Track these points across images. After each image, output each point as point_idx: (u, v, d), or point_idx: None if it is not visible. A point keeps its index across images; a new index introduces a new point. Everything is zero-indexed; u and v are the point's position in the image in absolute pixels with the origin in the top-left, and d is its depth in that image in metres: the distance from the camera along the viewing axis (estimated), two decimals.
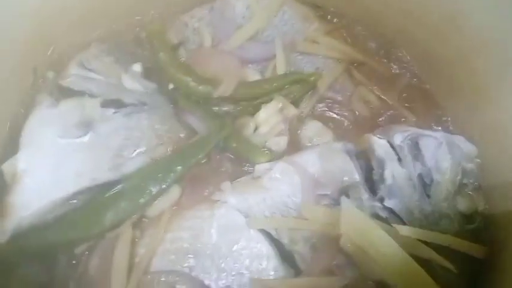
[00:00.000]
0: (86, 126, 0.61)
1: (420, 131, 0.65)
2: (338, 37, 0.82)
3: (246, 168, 0.67)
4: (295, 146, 0.70)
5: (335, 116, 0.75)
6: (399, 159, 0.59)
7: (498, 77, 0.66)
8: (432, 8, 0.72)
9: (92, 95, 0.65)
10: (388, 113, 0.76)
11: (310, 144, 0.71)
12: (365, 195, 0.57)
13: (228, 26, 0.77)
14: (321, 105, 0.76)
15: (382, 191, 0.57)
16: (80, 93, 0.65)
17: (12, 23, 0.66)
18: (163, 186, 0.62)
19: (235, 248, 0.57)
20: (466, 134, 0.69)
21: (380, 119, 0.75)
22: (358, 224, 0.52)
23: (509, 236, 0.61)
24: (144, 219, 0.63)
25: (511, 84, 0.64)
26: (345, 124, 0.74)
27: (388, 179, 0.57)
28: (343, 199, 0.54)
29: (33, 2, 0.67)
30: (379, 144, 0.60)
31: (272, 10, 0.79)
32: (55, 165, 0.59)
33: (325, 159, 0.62)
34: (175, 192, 0.62)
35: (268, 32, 0.79)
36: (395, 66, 0.80)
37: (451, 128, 0.74)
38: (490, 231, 0.62)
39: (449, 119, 0.75)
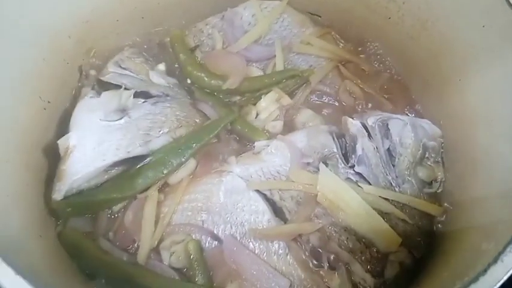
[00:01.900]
0: (122, 112, 0.78)
1: (390, 115, 0.79)
2: (329, 40, 0.96)
3: (248, 146, 0.83)
4: (290, 129, 0.85)
5: (324, 105, 0.90)
6: (369, 136, 0.74)
7: (460, 72, 0.79)
8: (407, 14, 0.86)
9: (126, 88, 0.81)
10: (369, 103, 0.90)
11: (302, 127, 0.86)
12: (340, 163, 0.71)
13: (237, 31, 0.93)
14: (312, 96, 0.90)
15: (353, 160, 0.71)
16: (116, 87, 0.81)
17: (63, 31, 0.83)
18: (182, 159, 0.77)
19: (238, 205, 0.72)
20: (434, 120, 0.83)
21: (362, 107, 0.89)
22: (332, 184, 0.67)
23: (462, 203, 0.74)
24: (167, 186, 0.78)
25: (471, 79, 0.77)
26: (332, 111, 0.88)
27: (359, 151, 0.72)
28: (321, 165, 0.68)
29: (81, 13, 0.84)
30: (352, 123, 0.74)
31: (273, 17, 0.94)
32: (98, 142, 0.75)
33: (311, 137, 0.76)
34: (191, 164, 0.78)
35: (269, 36, 0.94)
36: (377, 64, 0.94)
37: (422, 114, 0.88)
38: (446, 196, 0.75)
39: (420, 107, 0.88)
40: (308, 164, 0.72)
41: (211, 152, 0.80)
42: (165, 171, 0.76)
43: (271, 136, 0.82)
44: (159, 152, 0.78)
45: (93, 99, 0.80)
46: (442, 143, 0.79)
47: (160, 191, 0.77)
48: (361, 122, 0.75)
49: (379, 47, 0.95)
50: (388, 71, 0.93)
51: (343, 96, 0.89)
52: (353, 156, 0.72)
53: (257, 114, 0.85)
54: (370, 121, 0.75)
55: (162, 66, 0.89)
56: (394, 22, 0.89)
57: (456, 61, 0.79)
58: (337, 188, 0.66)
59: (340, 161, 0.72)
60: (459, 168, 0.77)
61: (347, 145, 0.73)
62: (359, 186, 0.69)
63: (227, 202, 0.73)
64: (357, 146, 0.72)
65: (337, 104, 0.89)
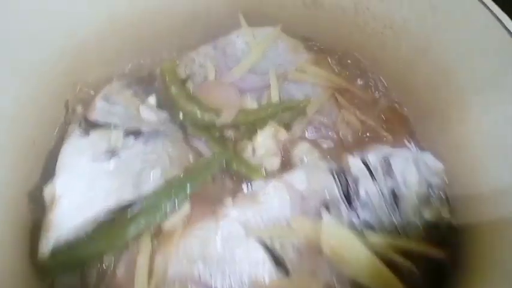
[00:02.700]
0: (111, 153, 0.74)
1: (392, 150, 0.76)
2: (324, 66, 0.93)
3: (244, 186, 0.79)
4: (287, 164, 0.82)
5: (322, 136, 0.87)
6: (372, 176, 0.71)
7: (461, 100, 0.77)
8: (404, 42, 0.83)
9: (115, 126, 0.77)
10: (368, 133, 0.87)
11: (300, 162, 0.83)
12: (343, 207, 0.68)
13: (229, 60, 0.89)
14: (309, 127, 0.87)
15: (357, 204, 0.68)
16: (105, 125, 0.77)
17: (48, 64, 0.78)
18: (176, 203, 0.73)
19: (236, 254, 0.68)
20: (434, 152, 0.80)
21: (360, 139, 0.86)
22: (336, 234, 0.64)
23: (470, 240, 0.72)
24: (159, 232, 0.74)
25: (471, 111, 0.75)
26: (330, 144, 0.85)
27: (362, 194, 0.69)
28: (324, 213, 0.65)
29: (67, 45, 0.79)
30: (353, 163, 0.71)
31: (267, 44, 0.91)
32: (87, 188, 0.71)
33: (311, 178, 0.73)
34: (186, 208, 0.74)
35: (263, 64, 0.90)
36: (374, 92, 0.91)
37: (422, 145, 0.86)
38: (454, 235, 0.73)
39: (420, 137, 0.86)
40: (309, 208, 0.69)
41: (206, 193, 0.77)
42: (158, 217, 0.72)
43: (268, 174, 0.78)
44: (151, 195, 0.74)
45: (80, 139, 0.76)
46: (445, 178, 0.76)
47: (153, 238, 0.73)
48: (362, 160, 0.72)
49: (376, 74, 0.93)
50: (386, 99, 0.90)
51: (341, 127, 0.87)
52: (356, 198, 0.69)
53: (253, 150, 0.81)
54: (371, 159, 0.72)
55: (152, 100, 0.85)
56: (391, 49, 0.86)
57: (457, 89, 0.77)
58: (342, 238, 0.64)
59: (342, 204, 0.69)
60: (464, 203, 0.75)
61: (349, 186, 0.70)
62: (363, 232, 0.65)
63: (225, 250, 0.69)
64: (359, 188, 0.69)
65: (335, 136, 0.86)
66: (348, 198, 0.70)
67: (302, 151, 0.83)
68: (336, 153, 0.83)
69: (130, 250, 0.71)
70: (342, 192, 0.71)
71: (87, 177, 0.72)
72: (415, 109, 0.87)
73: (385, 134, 0.86)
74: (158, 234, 0.74)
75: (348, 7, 0.85)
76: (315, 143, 0.85)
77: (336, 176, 0.73)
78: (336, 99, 0.89)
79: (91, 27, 0.81)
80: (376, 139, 0.86)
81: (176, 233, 0.72)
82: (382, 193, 0.70)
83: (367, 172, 0.70)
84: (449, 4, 0.71)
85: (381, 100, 0.90)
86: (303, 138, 0.86)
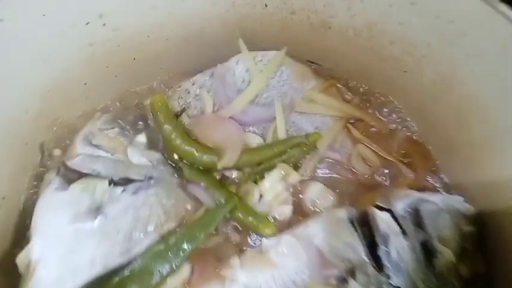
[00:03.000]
0: (96, 210, 0.63)
1: (420, 195, 0.67)
2: (334, 93, 0.83)
3: (252, 239, 0.69)
4: (299, 210, 0.72)
5: (336, 176, 0.77)
6: (403, 232, 0.61)
7: (490, 135, 0.68)
8: (427, 70, 0.74)
9: (99, 176, 0.66)
10: (387, 170, 0.77)
11: (313, 208, 0.73)
12: (371, 271, 0.59)
13: (229, 90, 0.79)
14: (321, 166, 0.77)
15: (387, 268, 0.59)
16: (87, 174, 0.66)
17: (18, 105, 0.67)
18: (174, 265, 0.63)
19: None
20: (461, 189, 0.72)
21: (379, 177, 0.77)
22: None
23: None
24: None
25: (504, 144, 0.66)
26: (346, 184, 0.76)
27: (393, 255, 0.59)
28: (351, 282, 0.56)
29: (40, 82, 0.68)
30: (381, 218, 0.62)
31: (271, 71, 0.80)
32: (67, 254, 0.60)
33: (330, 231, 0.63)
34: (185, 270, 0.64)
35: (267, 94, 0.80)
36: (391, 122, 0.81)
37: (447, 182, 0.76)
38: None
39: (445, 174, 0.77)
40: (330, 271, 0.59)
41: (208, 251, 0.67)
42: (152, 283, 0.62)
43: (279, 225, 0.68)
44: (144, 257, 0.63)
45: (59, 193, 0.65)
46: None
47: None
48: (389, 212, 0.62)
49: (391, 102, 0.83)
50: (404, 129, 0.81)
51: (356, 164, 0.77)
52: (386, 262, 0.59)
53: (260, 196, 0.71)
54: (399, 208, 0.63)
55: (142, 138, 0.74)
56: (411, 76, 0.77)
57: (486, 122, 0.68)
58: None
59: (370, 266, 0.59)
60: (499, 253, 0.66)
61: (378, 247, 0.60)
62: None
63: None
64: (390, 248, 0.60)
65: (350, 175, 0.77)
66: (375, 258, 0.60)
67: (315, 193, 0.74)
68: (353, 195, 0.74)
69: None
70: (368, 252, 0.61)
71: (68, 241, 0.61)
72: (438, 142, 0.78)
73: (405, 170, 0.77)
74: None
75: (361, 29, 0.76)
76: (328, 183, 0.75)
77: (358, 229, 0.64)
78: (349, 131, 0.80)
79: (68, 56, 0.70)
80: (396, 176, 0.77)
81: None
82: (415, 251, 0.60)
83: (397, 228, 0.61)
84: (482, 32, 0.62)
85: (398, 131, 0.80)
86: (314, 178, 0.76)
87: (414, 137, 0.81)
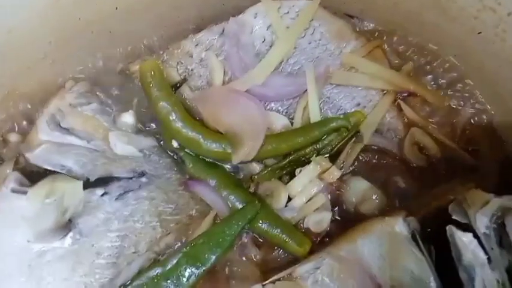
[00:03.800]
0: (65, 227, 0.45)
1: (502, 201, 0.50)
2: (380, 58, 0.64)
3: (278, 254, 0.53)
4: (336, 216, 0.56)
5: (383, 169, 0.60)
6: (489, 260, 0.45)
7: None
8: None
9: (70, 174, 0.48)
10: (449, 161, 0.60)
11: (353, 209, 0.56)
12: None
13: (245, 54, 0.59)
14: (364, 155, 0.60)
15: None
16: (54, 172, 0.48)
17: None
18: None
19: None
20: None
21: (441, 171, 0.60)
22: None
23: None
24: None
25: None
26: (398, 180, 0.59)
27: None
28: None
29: None
30: (465, 244, 0.45)
31: (300, 29, 0.61)
32: (29, 285, 0.43)
33: (388, 252, 0.47)
34: None
35: (295, 59, 0.61)
36: (455, 98, 0.63)
37: None
38: None
39: None
40: None
41: (220, 272, 0.50)
42: None
43: (315, 239, 0.51)
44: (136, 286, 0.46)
45: (14, 200, 0.46)
46: None
47: None
48: (472, 232, 0.45)
49: (456, 71, 0.64)
50: (471, 109, 0.62)
51: (410, 154, 0.60)
52: None
53: (289, 198, 0.54)
54: (481, 224, 0.46)
55: (129, 117, 0.56)
56: (486, 40, 0.59)
57: None
58: None
59: None
60: None
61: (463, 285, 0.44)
62: None
63: None
64: (476, 284, 0.43)
65: (402, 168, 0.59)
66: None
67: (358, 192, 0.58)
68: (406, 195, 0.58)
69: None
70: (439, 280, 0.45)
71: (28, 268, 0.44)
72: None
73: (471, 161, 0.60)
74: None
75: None
76: (374, 179, 0.58)
77: (423, 248, 0.47)
78: (400, 110, 0.61)
79: (24, 2, 0.49)
80: (461, 169, 0.60)
81: None
82: (503, 285, 0.44)
83: (484, 256, 0.44)
84: None
85: (464, 111, 0.62)
86: (355, 172, 0.59)
87: (484, 119, 0.62)
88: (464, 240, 0.45)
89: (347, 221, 0.55)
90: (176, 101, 0.55)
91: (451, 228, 0.46)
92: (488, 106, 0.63)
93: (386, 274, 0.46)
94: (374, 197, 0.56)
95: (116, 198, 0.49)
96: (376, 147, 0.60)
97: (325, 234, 0.54)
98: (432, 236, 0.50)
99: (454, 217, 0.48)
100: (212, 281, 0.50)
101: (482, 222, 0.47)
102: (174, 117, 0.53)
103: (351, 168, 0.59)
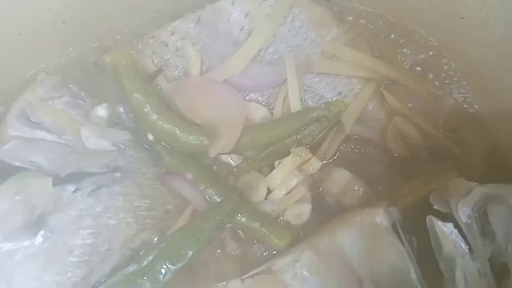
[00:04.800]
0: (35, 224, 0.44)
1: (485, 190, 0.49)
2: (362, 46, 0.63)
3: (258, 248, 0.51)
4: (317, 207, 0.54)
5: (365, 159, 0.59)
6: (470, 250, 0.44)
7: None
8: (494, 17, 0.54)
9: (40, 170, 0.46)
10: (433, 150, 0.59)
11: (335, 201, 0.55)
12: None
13: (222, 42, 0.58)
14: (346, 145, 0.59)
15: None
16: (23, 169, 0.46)
17: None
18: None
19: None
20: None
21: (424, 160, 0.59)
22: None
23: None
24: None
25: None
26: (380, 170, 0.58)
27: (460, 283, 0.42)
28: None
29: None
30: (445, 234, 0.44)
31: (279, 15, 0.59)
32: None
33: (368, 244, 0.46)
34: None
35: (274, 47, 0.60)
36: (439, 86, 0.62)
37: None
38: None
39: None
40: None
41: (198, 268, 0.49)
42: None
43: (294, 233, 0.50)
44: (109, 285, 0.45)
45: None
46: None
47: None
48: (453, 222, 0.44)
49: (441, 58, 0.63)
50: (455, 96, 0.61)
51: (392, 143, 0.59)
52: None
53: (268, 191, 0.52)
54: (463, 214, 0.46)
55: (102, 111, 0.54)
56: (471, 24, 0.57)
57: None
58: None
59: None
60: None
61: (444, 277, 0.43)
62: None
63: None
64: (456, 274, 0.42)
65: (384, 158, 0.58)
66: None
67: (338, 184, 0.56)
68: (388, 185, 0.57)
69: None
70: (420, 273, 0.44)
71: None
72: (500, 117, 0.59)
73: (454, 149, 0.59)
74: None
75: None
76: (355, 169, 0.56)
77: (404, 240, 0.47)
78: (382, 98, 0.60)
79: None
80: (443, 156, 0.59)
81: None
82: (485, 276, 0.43)
83: (465, 246, 0.43)
84: None
85: (447, 98, 0.61)
86: (337, 162, 0.57)
87: (468, 108, 0.61)
88: (444, 230, 0.44)
89: (328, 213, 0.54)
90: (151, 92, 0.53)
91: (431, 219, 0.45)
92: (473, 94, 0.62)
93: (366, 267, 0.45)
94: (356, 188, 0.55)
95: (88, 195, 0.47)
96: (358, 137, 0.59)
97: (305, 226, 0.53)
98: (414, 227, 0.49)
99: (435, 207, 0.47)
100: (190, 276, 0.49)
101: (464, 211, 0.46)
102: (148, 109, 0.52)
103: (332, 159, 0.58)
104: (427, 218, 0.45)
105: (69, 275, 0.44)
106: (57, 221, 0.45)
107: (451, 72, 0.62)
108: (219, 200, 0.51)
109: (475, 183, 0.50)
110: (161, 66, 0.58)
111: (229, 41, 0.58)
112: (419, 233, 0.49)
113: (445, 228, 0.44)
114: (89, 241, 0.45)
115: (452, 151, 0.59)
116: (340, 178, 0.56)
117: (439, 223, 0.44)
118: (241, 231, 0.52)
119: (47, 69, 0.57)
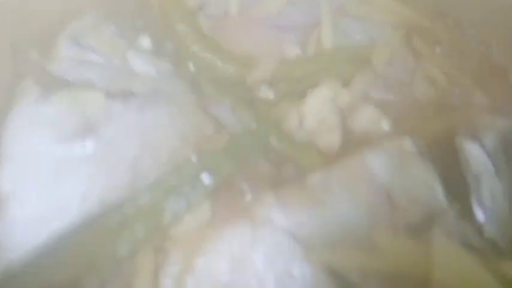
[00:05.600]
0: (88, 131, 0.47)
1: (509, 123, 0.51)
2: None
3: (290, 172, 0.54)
4: (345, 140, 0.57)
5: (393, 99, 0.61)
6: (496, 172, 0.46)
7: None
8: None
9: (92, 85, 0.50)
10: (457, 95, 0.61)
11: (363, 136, 0.58)
12: (453, 218, 0.44)
13: None
14: (375, 86, 0.61)
15: (480, 215, 0.44)
16: (76, 83, 0.50)
17: None
18: (190, 202, 0.49)
19: (284, 283, 0.45)
20: None
21: (449, 103, 0.61)
22: (454, 264, 0.40)
23: None
24: (167, 242, 0.50)
25: None
26: (406, 109, 0.60)
27: (487, 201, 0.45)
28: (436, 232, 0.41)
29: None
30: (473, 154, 0.46)
31: None
32: (51, 185, 0.45)
33: (397, 166, 0.49)
34: (205, 208, 0.50)
35: None
36: (467, 37, 0.64)
37: None
38: None
39: None
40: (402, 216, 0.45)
41: (233, 183, 0.52)
42: (163, 223, 0.48)
43: (326, 158, 0.53)
44: (154, 191, 0.48)
45: (38, 106, 0.49)
46: None
47: (157, 251, 0.49)
48: (480, 145, 0.47)
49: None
50: (484, 45, 0.63)
51: (419, 85, 0.61)
52: (477, 210, 0.44)
53: (300, 121, 0.55)
54: (489, 141, 0.48)
55: (146, 42, 0.57)
56: None
57: None
58: (462, 269, 0.40)
59: (451, 214, 0.44)
60: None
61: (471, 193, 0.45)
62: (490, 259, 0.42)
63: (267, 276, 0.46)
64: (482, 191, 0.45)
65: (411, 99, 0.60)
66: (457, 202, 0.46)
67: (366, 120, 0.58)
68: (415, 123, 0.58)
69: (123, 271, 0.47)
70: (448, 197, 0.46)
71: (51, 168, 0.46)
72: None
73: (480, 97, 0.61)
74: (164, 246, 0.49)
75: None
76: (383, 107, 0.59)
77: (430, 163, 0.49)
78: (412, 44, 0.63)
79: None
80: (468, 102, 0.61)
81: (192, 242, 0.49)
82: (510, 198, 0.46)
83: (491, 166, 0.46)
84: None
85: (475, 45, 0.63)
86: (366, 100, 0.60)
87: (494, 57, 0.63)
88: (472, 150, 0.46)
89: (357, 143, 0.57)
90: (193, 24, 0.56)
91: (460, 139, 0.47)
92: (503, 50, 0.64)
93: (395, 185, 0.47)
94: (383, 124, 0.58)
95: (136, 111, 0.51)
96: (386, 79, 0.62)
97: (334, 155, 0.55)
98: (442, 155, 0.51)
99: (465, 134, 0.49)
100: (227, 202, 0.52)
101: (489, 139, 0.49)
102: (190, 40, 0.55)
103: (361, 97, 0.60)
104: (457, 138, 0.48)
105: (119, 179, 0.47)
106: (110, 131, 0.48)
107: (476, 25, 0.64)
108: (254, 126, 0.54)
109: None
110: (201, 5, 0.61)
111: None
112: (446, 161, 0.51)
113: (474, 149, 0.46)
114: (137, 148, 0.48)
115: (479, 100, 0.61)
116: (368, 114, 0.58)
117: (466, 142, 0.47)
118: (276, 155, 0.54)
119: (93, 5, 0.61)
